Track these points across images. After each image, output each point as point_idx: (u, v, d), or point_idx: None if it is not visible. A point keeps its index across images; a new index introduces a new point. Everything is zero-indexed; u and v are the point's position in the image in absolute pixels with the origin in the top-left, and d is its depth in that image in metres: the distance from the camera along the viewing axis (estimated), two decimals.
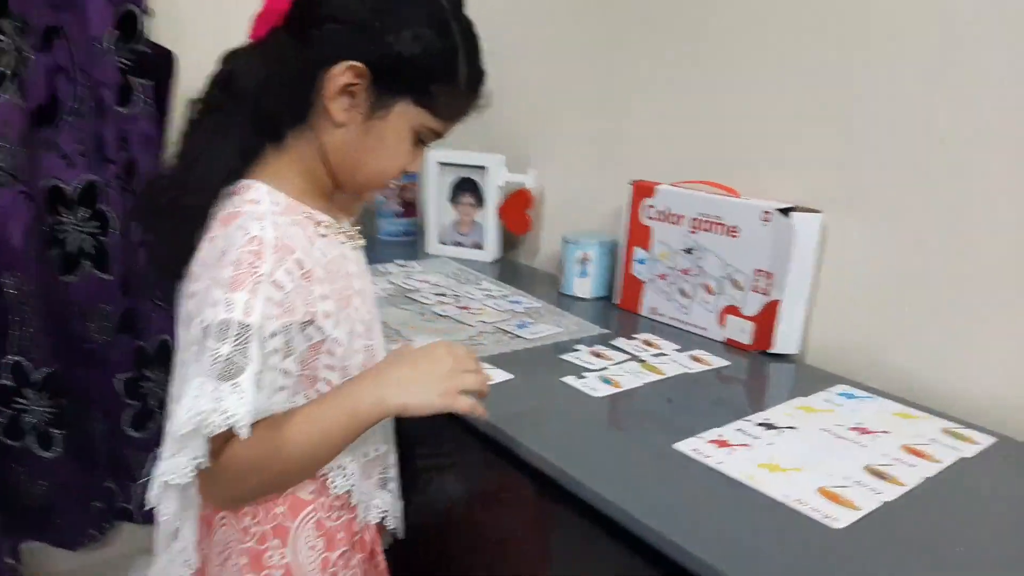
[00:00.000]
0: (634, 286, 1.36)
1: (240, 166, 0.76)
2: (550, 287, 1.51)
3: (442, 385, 0.77)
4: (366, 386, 0.77)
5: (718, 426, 0.92)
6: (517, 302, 1.39)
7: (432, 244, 1.78)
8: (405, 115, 0.76)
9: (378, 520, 0.89)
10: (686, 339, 1.24)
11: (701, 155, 1.33)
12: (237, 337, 0.66)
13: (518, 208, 1.68)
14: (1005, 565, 0.70)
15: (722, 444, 0.87)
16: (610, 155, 1.52)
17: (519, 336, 1.21)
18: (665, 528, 0.72)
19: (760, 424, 0.93)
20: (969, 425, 0.95)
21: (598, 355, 1.14)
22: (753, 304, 1.18)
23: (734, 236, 1.19)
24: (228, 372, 0.65)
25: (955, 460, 0.86)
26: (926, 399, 1.03)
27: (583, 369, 1.09)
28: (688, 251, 1.26)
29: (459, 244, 1.76)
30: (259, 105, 0.75)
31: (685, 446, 0.87)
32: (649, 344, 1.20)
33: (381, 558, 0.93)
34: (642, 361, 1.13)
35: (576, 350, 1.16)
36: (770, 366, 1.16)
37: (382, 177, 0.81)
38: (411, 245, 1.86)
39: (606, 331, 1.26)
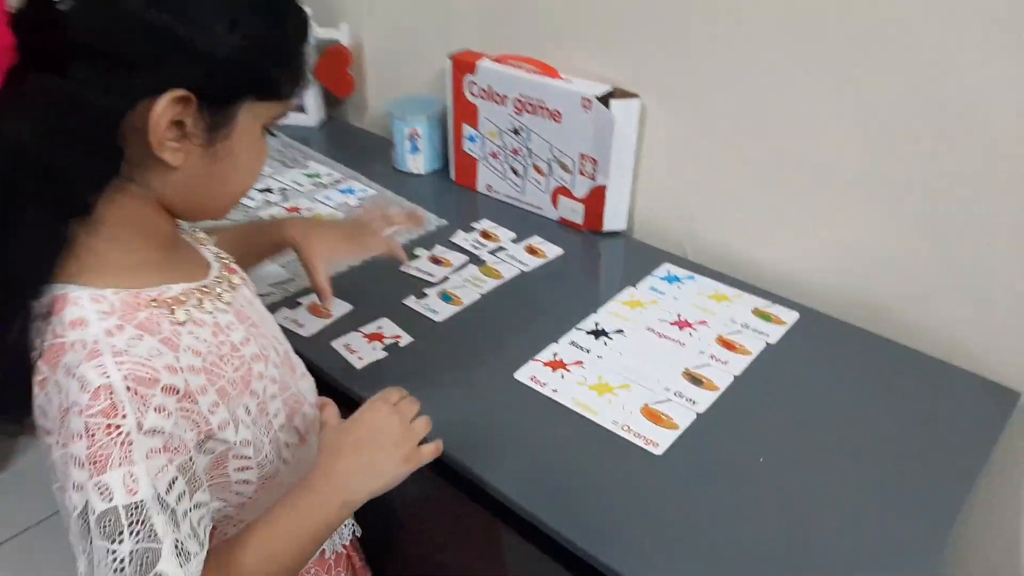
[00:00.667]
0: (468, 163, 1.33)
1: (44, 270, 0.56)
2: (383, 159, 1.45)
3: (400, 451, 0.68)
4: (322, 496, 0.65)
5: (554, 340, 0.98)
6: (350, 191, 1.33)
7: None
8: (251, 117, 0.60)
9: (349, 538, 0.87)
10: (524, 220, 1.25)
11: (518, 24, 1.25)
12: (132, 525, 0.51)
13: (336, 67, 1.54)
14: (803, 466, 0.83)
15: (556, 366, 0.94)
16: (423, 5, 1.39)
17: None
18: (496, 476, 0.79)
19: (591, 332, 0.99)
20: (777, 300, 1.06)
21: (437, 261, 1.15)
22: (582, 187, 1.19)
23: (557, 121, 1.17)
24: (142, 569, 0.52)
25: (762, 349, 0.97)
26: (740, 272, 1.12)
27: (424, 283, 1.10)
28: (515, 132, 1.23)
29: None
30: (44, 176, 0.54)
31: (524, 374, 0.93)
32: (487, 236, 1.21)
33: (362, 564, 0.92)
34: (481, 262, 1.15)
35: (416, 256, 1.16)
36: (601, 245, 1.20)
37: (244, 193, 0.66)
38: None
39: (443, 222, 1.25)
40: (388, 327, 1.01)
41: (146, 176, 0.58)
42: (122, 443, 0.52)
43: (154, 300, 0.59)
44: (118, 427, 0.52)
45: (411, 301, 1.06)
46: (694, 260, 1.15)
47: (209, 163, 0.59)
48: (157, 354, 0.56)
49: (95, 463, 0.51)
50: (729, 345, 0.97)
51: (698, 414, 0.87)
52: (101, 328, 0.55)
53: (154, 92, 0.53)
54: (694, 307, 1.04)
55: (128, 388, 0.53)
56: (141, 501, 0.52)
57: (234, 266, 0.72)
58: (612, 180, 1.15)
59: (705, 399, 0.89)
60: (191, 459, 0.57)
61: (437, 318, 1.03)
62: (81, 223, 0.56)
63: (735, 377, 0.93)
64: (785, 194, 1.06)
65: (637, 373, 0.93)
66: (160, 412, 0.54)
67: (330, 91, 1.58)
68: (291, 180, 1.37)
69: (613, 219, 1.19)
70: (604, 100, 1.10)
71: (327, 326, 1.01)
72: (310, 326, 1.01)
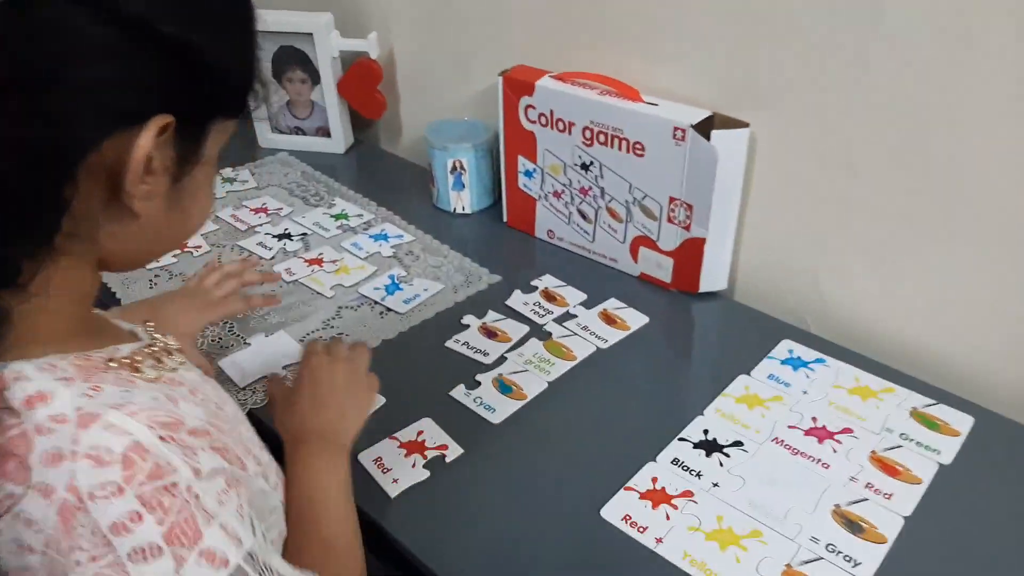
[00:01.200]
0: (524, 203, 1.09)
1: None
2: (421, 194, 1.22)
3: (356, 391, 0.72)
4: (323, 439, 0.66)
5: (651, 457, 0.74)
6: (383, 237, 1.11)
7: (265, 134, 1.41)
8: (215, 140, 0.49)
9: None
10: (595, 276, 1.01)
11: (586, 34, 1.01)
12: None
13: (364, 85, 1.31)
14: None
15: (658, 499, 0.70)
16: (467, 10, 1.16)
17: (390, 309, 0.96)
18: None
19: (700, 446, 0.75)
20: (942, 396, 0.80)
21: (491, 333, 0.91)
22: (671, 238, 0.95)
23: (639, 155, 0.92)
24: None
25: (934, 473, 0.72)
26: (885, 354, 0.86)
27: (475, 366, 0.86)
28: (584, 167, 0.99)
29: (299, 131, 1.40)
30: None
31: (614, 511, 0.69)
32: (551, 298, 0.97)
33: None
34: (546, 336, 0.91)
35: (464, 326, 0.93)
36: (695, 309, 0.96)
37: (194, 233, 0.54)
38: (240, 134, 1.47)
39: (496, 278, 1.01)
40: (431, 432, 0.78)
41: (93, 231, 0.45)
42: (194, 498, 0.43)
43: (111, 360, 0.47)
44: (175, 484, 0.42)
45: (460, 393, 0.83)
46: (818, 334, 0.90)
47: (170, 204, 0.47)
48: (160, 402, 0.45)
49: (182, 535, 0.42)
50: (889, 468, 0.72)
51: None
52: (73, 394, 0.42)
53: (133, 120, 0.42)
54: (832, 407, 0.79)
55: (161, 438, 0.43)
56: (250, 550, 0.45)
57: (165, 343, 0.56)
58: (713, 231, 0.90)
59: (870, 557, 0.64)
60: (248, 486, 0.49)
61: (494, 418, 0.80)
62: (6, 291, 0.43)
63: (905, 519, 0.68)
64: (949, 251, 0.81)
65: (770, 513, 0.68)
66: (205, 451, 0.45)
67: (357, 112, 1.36)
68: (314, 222, 1.15)
69: (711, 278, 0.95)
70: (703, 129, 0.86)
71: None
72: None
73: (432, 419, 0.80)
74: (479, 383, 0.84)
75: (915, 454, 0.74)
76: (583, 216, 1.03)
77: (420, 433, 0.78)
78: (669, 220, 0.93)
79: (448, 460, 0.75)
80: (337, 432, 0.67)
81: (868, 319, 0.89)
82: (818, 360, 0.85)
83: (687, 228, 0.92)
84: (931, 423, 0.77)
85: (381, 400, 0.81)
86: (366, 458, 0.75)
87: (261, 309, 0.94)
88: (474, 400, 0.82)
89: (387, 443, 0.77)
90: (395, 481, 0.73)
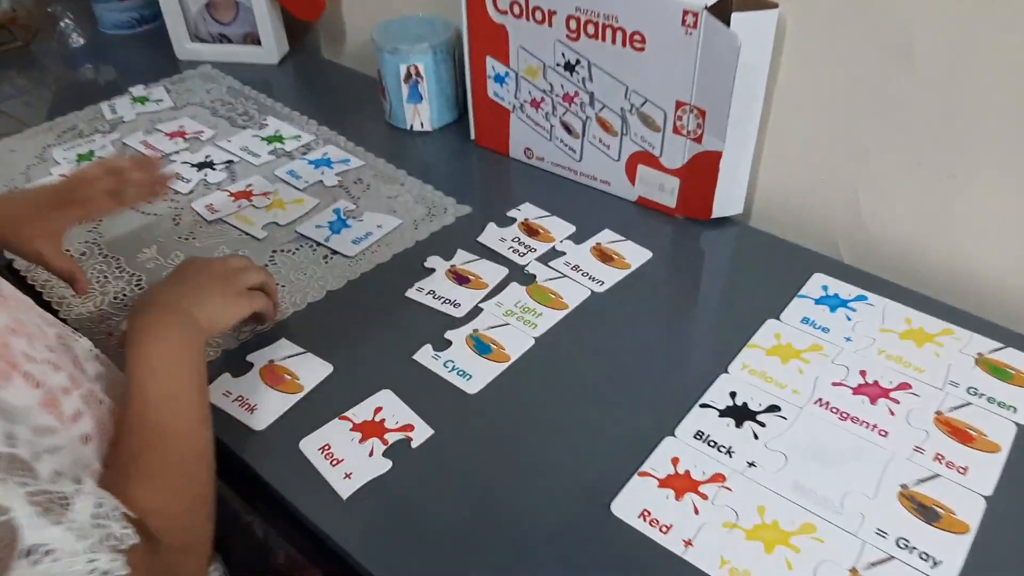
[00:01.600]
0: (495, 116, 0.91)
1: None
2: (372, 109, 1.02)
3: (225, 287, 0.62)
4: (168, 307, 0.58)
5: (668, 431, 0.60)
6: (326, 163, 0.92)
7: (183, 43, 1.19)
8: None
9: None
10: (583, 203, 0.84)
11: None
12: None
13: None
14: None
15: (682, 486, 0.55)
16: None
17: (336, 252, 0.78)
18: None
19: (728, 413, 0.61)
20: (1012, 338, 0.66)
21: (461, 278, 0.75)
22: (676, 152, 0.78)
23: (638, 49, 0.74)
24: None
25: (1013, 436, 0.58)
26: (938, 287, 0.72)
27: (443, 322, 0.70)
28: (569, 68, 0.81)
29: (224, 39, 1.18)
30: None
31: (626, 506, 0.55)
32: (533, 232, 0.80)
33: None
34: (528, 279, 0.75)
35: (429, 270, 0.76)
36: (705, 240, 0.79)
37: None
38: (153, 44, 1.25)
39: (465, 209, 0.84)
40: (392, 409, 0.63)
41: None
42: None
43: None
44: None
45: (426, 356, 0.67)
46: (853, 264, 0.75)
47: None
48: None
49: None
50: (960, 433, 0.59)
51: None
52: None
53: None
54: (883, 357, 0.65)
55: None
56: None
57: None
58: (730, 142, 0.74)
59: (951, 552, 0.51)
60: None
61: (470, 387, 0.64)
62: None
63: (986, 500, 0.55)
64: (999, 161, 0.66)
65: (823, 500, 0.54)
66: None
67: (291, 13, 1.14)
68: (241, 147, 0.95)
69: (726, 201, 0.78)
70: (720, 12, 0.68)
71: (291, 408, 0.63)
72: (264, 409, 0.63)
73: (393, 391, 0.64)
74: (450, 342, 0.68)
75: (987, 413, 0.60)
76: (568, 129, 0.85)
77: (378, 411, 0.62)
78: (675, 131, 0.76)
79: (415, 445, 0.60)
80: (190, 306, 0.58)
81: (918, 246, 0.74)
82: (859, 297, 0.70)
83: (698, 140, 0.75)
84: (1002, 372, 0.63)
85: (328, 368, 0.65)
86: (309, 446, 0.59)
87: (171, 253, 0.77)
88: (444, 365, 0.66)
89: (336, 425, 0.61)
90: (348, 476, 0.57)
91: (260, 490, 0.59)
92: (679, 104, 0.75)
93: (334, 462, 0.58)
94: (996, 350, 0.65)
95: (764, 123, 0.76)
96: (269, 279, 0.68)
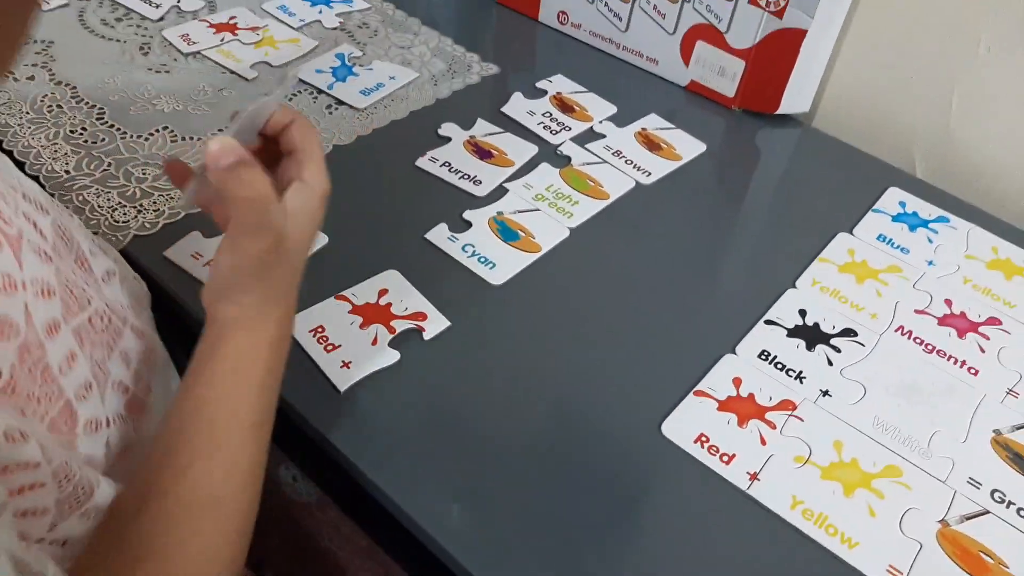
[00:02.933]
0: None
1: None
2: None
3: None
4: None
5: (727, 347, 0.51)
6: (324, 1, 0.78)
7: None
8: None
9: None
10: (627, 82, 0.73)
11: None
12: None
13: None
14: None
15: (745, 411, 0.47)
16: None
17: (343, 102, 0.66)
18: None
19: (797, 333, 0.52)
20: None
21: (483, 152, 0.63)
22: (747, 28, 0.66)
23: None
24: None
25: None
26: (1012, 205, 0.64)
27: (463, 198, 0.59)
28: None
29: None
30: None
31: (679, 428, 0.46)
32: (566, 108, 0.69)
33: None
34: (563, 161, 0.64)
35: (444, 138, 0.64)
36: (765, 138, 0.69)
37: None
38: None
39: (492, 69, 0.72)
40: (401, 293, 0.52)
41: None
42: None
43: None
44: None
45: (441, 236, 0.57)
46: (931, 182, 0.66)
47: None
48: None
49: None
50: None
51: None
52: None
53: None
54: (969, 287, 0.57)
55: None
56: None
57: None
58: (819, 19, 0.62)
59: None
60: None
61: (494, 277, 0.54)
62: None
63: None
64: None
65: (908, 439, 0.46)
66: None
67: None
68: None
69: (797, 94, 0.68)
70: None
71: None
72: None
73: (401, 273, 0.53)
74: (469, 224, 0.58)
75: None
76: None
77: (383, 293, 0.52)
78: (753, 1, 0.65)
79: (427, 337, 0.50)
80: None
81: (1010, 169, 0.65)
82: (941, 219, 0.62)
83: (779, 14, 0.63)
84: None
85: (322, 239, 0.54)
86: (299, 326, 0.49)
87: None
88: (464, 249, 0.56)
89: (332, 306, 0.51)
90: (346, 365, 0.47)
91: None
92: None
93: (329, 347, 0.48)
94: None
95: (855, 2, 0.65)
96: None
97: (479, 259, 0.55)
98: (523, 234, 0.57)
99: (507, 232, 0.57)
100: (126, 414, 0.37)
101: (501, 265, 0.55)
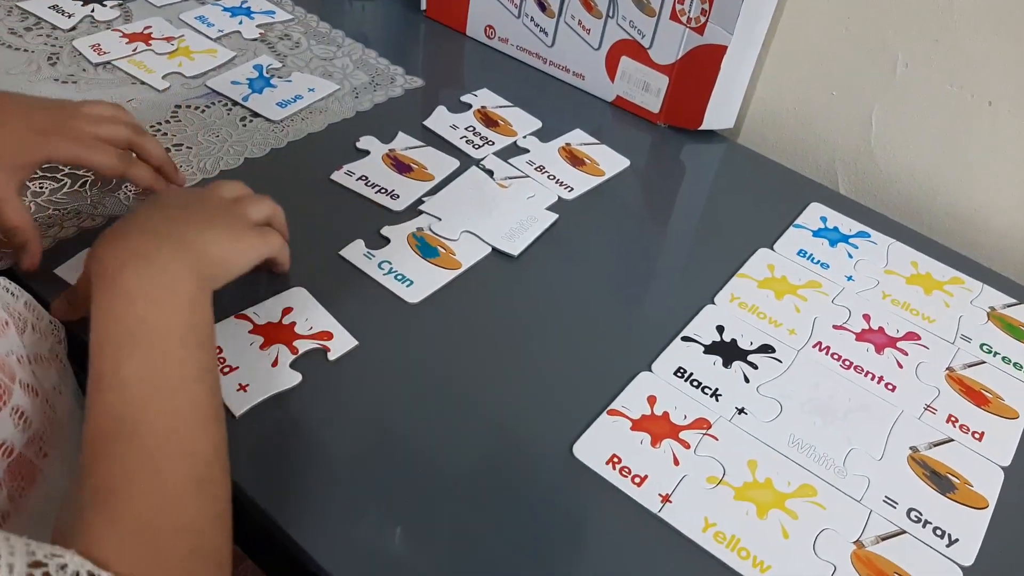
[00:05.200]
0: None
1: None
2: None
3: (229, 219, 0.45)
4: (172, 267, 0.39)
5: (643, 365, 0.49)
6: (245, 12, 0.75)
7: None
8: None
9: None
10: (550, 96, 0.72)
11: None
12: None
13: None
14: None
15: (659, 431, 0.46)
16: None
17: (258, 114, 0.64)
18: None
19: (714, 349, 0.51)
20: (1019, 293, 0.58)
21: (403, 167, 0.62)
22: (670, 44, 0.66)
23: None
24: None
25: None
26: (945, 231, 0.64)
27: (379, 215, 0.57)
28: None
29: None
30: None
31: (591, 449, 0.44)
32: (491, 122, 0.68)
33: None
34: (486, 173, 0.62)
35: (362, 151, 0.63)
36: (688, 154, 0.69)
37: None
38: None
39: (416, 82, 0.70)
40: (306, 311, 0.50)
41: None
42: None
43: None
44: None
45: (357, 252, 0.54)
46: (853, 198, 0.66)
47: None
48: None
49: None
50: (974, 393, 0.51)
51: (963, 568, 0.42)
52: None
53: None
54: (888, 302, 0.57)
55: None
56: None
57: None
58: (739, 35, 0.62)
59: (969, 529, 0.44)
60: None
61: (411, 295, 0.52)
62: None
63: (1004, 471, 0.47)
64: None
65: (823, 457, 0.46)
66: None
67: None
68: None
69: (720, 110, 0.68)
70: None
71: None
72: None
73: (311, 291, 0.51)
74: (387, 240, 0.56)
75: (1003, 374, 0.52)
76: (542, 6, 0.72)
77: (287, 312, 0.50)
78: (674, 16, 0.64)
79: (333, 357, 0.48)
80: (194, 238, 0.41)
81: (930, 183, 0.65)
82: (862, 234, 0.62)
83: (699, 31, 0.63)
84: (1017, 331, 0.56)
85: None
86: None
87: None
88: (379, 266, 0.54)
89: (232, 325, 0.48)
90: (243, 388, 0.45)
91: None
92: None
93: (226, 370, 0.46)
94: (1009, 306, 0.57)
95: (776, 18, 0.65)
96: (278, 210, 0.50)
97: (396, 276, 0.53)
98: (443, 251, 0.56)
99: (426, 248, 0.55)
100: (3, 477, 0.34)
101: (419, 283, 0.53)
